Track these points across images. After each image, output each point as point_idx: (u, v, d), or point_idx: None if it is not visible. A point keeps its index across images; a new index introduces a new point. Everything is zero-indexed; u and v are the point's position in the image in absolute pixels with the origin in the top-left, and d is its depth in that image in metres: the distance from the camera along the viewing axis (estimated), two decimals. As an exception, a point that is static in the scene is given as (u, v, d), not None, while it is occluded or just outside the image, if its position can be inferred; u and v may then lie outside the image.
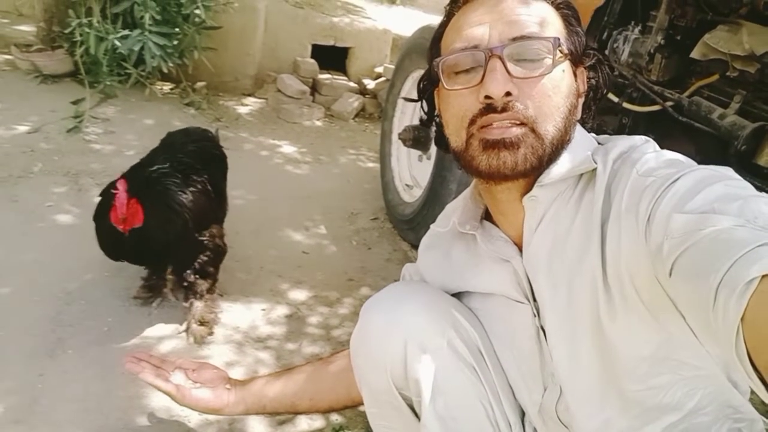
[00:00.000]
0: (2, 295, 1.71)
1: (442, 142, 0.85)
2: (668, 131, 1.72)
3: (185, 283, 1.74)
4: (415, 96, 0.91)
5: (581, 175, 0.79)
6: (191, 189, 1.67)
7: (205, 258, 1.73)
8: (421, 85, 0.89)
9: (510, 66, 0.73)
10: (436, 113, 0.87)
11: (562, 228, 0.78)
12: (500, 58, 0.73)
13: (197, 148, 1.85)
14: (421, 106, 0.91)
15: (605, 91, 0.86)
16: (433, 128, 0.89)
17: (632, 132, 1.78)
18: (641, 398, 0.76)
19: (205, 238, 1.72)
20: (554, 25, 0.78)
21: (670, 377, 0.75)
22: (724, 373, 0.77)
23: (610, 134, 0.86)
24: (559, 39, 0.75)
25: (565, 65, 0.77)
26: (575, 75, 0.80)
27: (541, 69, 0.74)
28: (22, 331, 1.59)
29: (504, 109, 0.73)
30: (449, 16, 0.83)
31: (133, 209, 1.51)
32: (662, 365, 0.75)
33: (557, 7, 0.80)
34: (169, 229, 1.59)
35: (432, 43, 0.85)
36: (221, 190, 1.91)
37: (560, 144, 0.76)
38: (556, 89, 0.75)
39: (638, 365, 0.75)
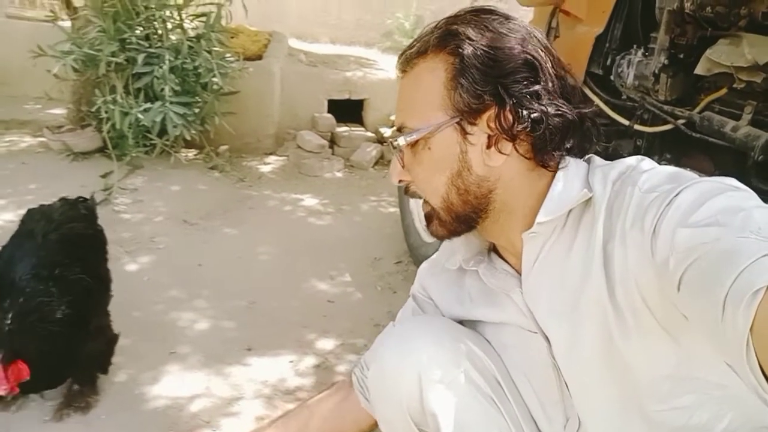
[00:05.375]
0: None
1: None
2: (684, 149, 1.71)
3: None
4: None
5: None
6: (67, 298, 1.47)
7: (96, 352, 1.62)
8: None
9: (405, 154, 0.80)
10: None
11: (560, 254, 0.77)
12: (394, 149, 0.80)
13: (61, 236, 1.61)
14: None
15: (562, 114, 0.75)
16: None
17: (648, 153, 1.77)
18: (666, 419, 0.73)
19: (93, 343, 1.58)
20: (431, 95, 0.75)
21: (696, 397, 0.72)
22: (747, 387, 0.73)
23: (624, 158, 0.83)
24: (413, 131, 0.76)
25: (443, 134, 0.76)
26: (465, 133, 0.75)
27: (417, 156, 0.79)
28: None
29: (407, 190, 0.84)
30: None
31: (15, 372, 1.36)
32: (685, 384, 0.72)
33: (450, 62, 0.74)
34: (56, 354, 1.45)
35: None
36: (100, 273, 1.70)
37: (465, 206, 0.79)
38: (431, 168, 0.79)
39: (660, 384, 0.72)
